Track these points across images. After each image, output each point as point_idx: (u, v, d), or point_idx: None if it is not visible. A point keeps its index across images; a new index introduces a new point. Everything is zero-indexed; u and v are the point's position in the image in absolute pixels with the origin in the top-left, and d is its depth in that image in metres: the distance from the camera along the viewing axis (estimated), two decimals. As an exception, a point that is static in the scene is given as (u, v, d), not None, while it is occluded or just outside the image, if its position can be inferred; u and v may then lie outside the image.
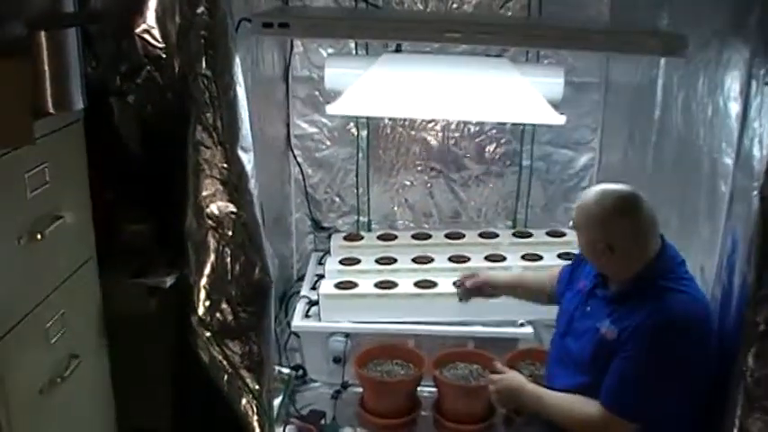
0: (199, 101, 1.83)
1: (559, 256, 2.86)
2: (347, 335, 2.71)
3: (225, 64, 1.85)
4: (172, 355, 2.03)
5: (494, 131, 3.09)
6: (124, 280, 1.95)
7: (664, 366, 1.78)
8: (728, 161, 1.84)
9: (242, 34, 2.04)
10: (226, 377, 1.92)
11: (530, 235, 3.05)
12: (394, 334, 2.68)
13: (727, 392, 1.70)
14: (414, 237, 3.04)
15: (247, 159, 1.90)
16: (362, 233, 3.11)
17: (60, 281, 1.70)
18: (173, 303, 1.96)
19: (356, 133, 3.09)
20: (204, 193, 1.85)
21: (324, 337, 2.74)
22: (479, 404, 2.50)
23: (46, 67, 1.53)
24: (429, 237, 3.04)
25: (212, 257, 1.87)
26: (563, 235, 3.00)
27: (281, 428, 2.48)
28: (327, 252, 3.02)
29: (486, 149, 3.11)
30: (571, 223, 1.99)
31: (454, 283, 2.38)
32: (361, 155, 3.11)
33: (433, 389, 2.62)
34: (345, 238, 3.04)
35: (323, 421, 2.67)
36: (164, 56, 1.88)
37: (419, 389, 2.63)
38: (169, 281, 1.96)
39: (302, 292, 2.85)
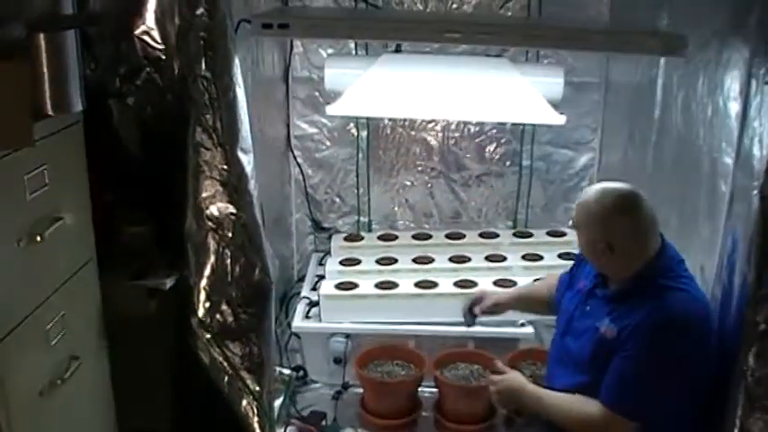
0: (198, 102, 1.83)
1: (560, 256, 2.86)
2: (348, 335, 2.71)
3: (224, 65, 1.85)
4: (172, 357, 2.03)
5: (494, 131, 3.08)
6: (124, 282, 1.95)
7: (663, 365, 1.78)
8: (728, 161, 1.84)
9: (241, 35, 2.04)
10: (226, 378, 1.92)
11: (530, 235, 3.04)
12: (394, 334, 2.68)
13: (728, 392, 1.70)
14: (414, 237, 3.04)
15: (247, 161, 1.90)
16: (363, 234, 3.10)
17: (60, 283, 1.70)
18: (173, 305, 1.96)
19: (356, 134, 3.09)
20: (204, 195, 1.85)
21: (324, 338, 2.74)
22: (480, 404, 2.50)
23: (45, 70, 1.53)
24: (429, 237, 3.03)
25: (212, 259, 1.87)
26: (563, 235, 3.00)
27: (282, 429, 2.47)
28: (328, 253, 3.01)
29: (487, 149, 3.11)
30: (571, 222, 1.99)
31: (463, 311, 2.37)
32: (361, 155, 3.11)
33: (434, 389, 2.62)
34: (346, 239, 3.04)
35: (324, 422, 2.66)
36: (163, 57, 1.88)
37: (420, 389, 2.62)
38: (169, 282, 1.96)
39: (303, 293, 2.84)
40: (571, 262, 2.27)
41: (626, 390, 1.81)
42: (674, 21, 2.27)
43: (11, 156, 1.48)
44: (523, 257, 2.87)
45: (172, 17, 1.86)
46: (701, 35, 1.99)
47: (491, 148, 3.11)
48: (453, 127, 3.08)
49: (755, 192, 1.63)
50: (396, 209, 3.19)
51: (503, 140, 3.09)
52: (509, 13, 2.89)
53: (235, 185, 1.87)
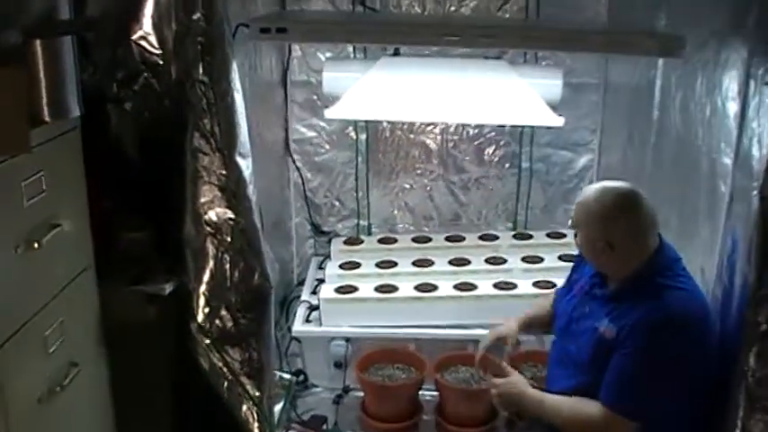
0: (196, 107, 1.83)
1: (560, 257, 2.85)
2: (348, 339, 2.71)
3: (222, 70, 1.85)
4: (171, 363, 2.02)
5: (493, 134, 3.08)
6: (123, 288, 1.95)
7: (662, 363, 1.78)
8: (727, 161, 1.84)
9: (239, 40, 2.04)
10: (226, 384, 1.92)
11: (530, 237, 3.04)
12: (395, 338, 2.67)
13: (729, 393, 1.70)
14: (414, 240, 3.03)
15: (245, 165, 1.90)
16: (362, 237, 3.10)
17: (58, 289, 1.70)
18: (172, 311, 1.96)
19: (355, 137, 3.09)
20: (202, 200, 1.85)
21: (325, 342, 2.74)
22: (481, 407, 2.50)
23: (42, 76, 1.53)
24: (429, 240, 3.03)
25: (211, 264, 1.87)
26: (563, 236, 2.99)
27: (283, 434, 2.47)
28: (328, 256, 3.01)
29: (486, 152, 3.11)
30: (570, 221, 1.98)
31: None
32: (360, 158, 3.10)
33: (435, 392, 2.62)
34: (345, 243, 3.04)
35: (324, 426, 2.66)
36: (161, 62, 1.88)
37: (421, 393, 2.62)
38: (168, 288, 1.95)
39: (303, 297, 2.84)
40: (571, 263, 2.27)
41: (625, 389, 1.81)
42: (673, 21, 2.27)
43: (8, 162, 1.48)
44: (523, 259, 2.87)
45: (169, 22, 1.85)
46: (700, 35, 1.99)
47: (490, 150, 3.11)
48: (452, 130, 3.08)
49: (755, 192, 1.63)
50: (395, 212, 3.19)
51: (502, 143, 3.09)
52: (507, 16, 2.89)
53: (233, 190, 1.86)
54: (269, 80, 2.83)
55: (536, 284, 2.70)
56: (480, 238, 3.03)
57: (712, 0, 1.95)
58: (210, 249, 1.86)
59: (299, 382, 2.84)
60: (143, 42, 1.86)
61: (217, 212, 1.86)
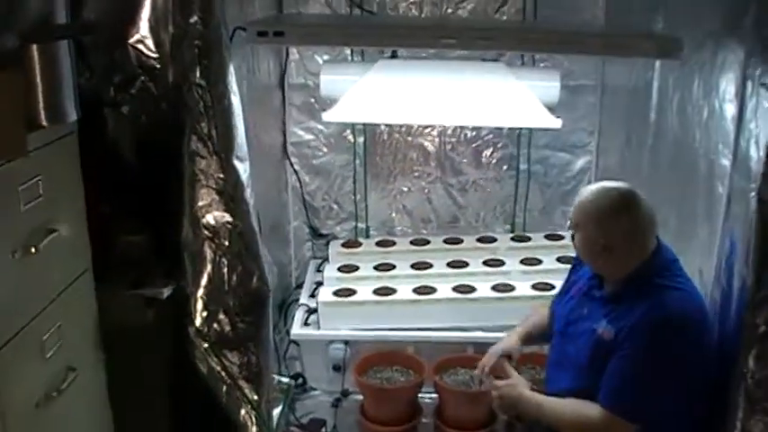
0: (193, 111, 1.82)
1: (558, 259, 2.85)
2: (347, 342, 2.70)
3: (219, 73, 1.85)
4: (169, 367, 2.02)
5: (490, 136, 3.09)
6: (121, 291, 1.95)
7: (661, 364, 1.78)
8: (725, 162, 1.84)
9: (237, 43, 2.04)
10: (224, 388, 1.91)
11: (528, 239, 3.04)
12: (393, 341, 2.67)
13: (728, 395, 1.70)
14: (412, 243, 3.03)
15: (243, 169, 1.90)
16: (361, 240, 3.10)
17: (56, 294, 1.69)
18: (170, 314, 1.95)
19: (353, 140, 3.09)
20: (200, 204, 1.85)
21: (323, 345, 2.73)
22: (480, 410, 2.49)
23: (38, 80, 1.53)
24: (427, 242, 3.03)
25: (209, 268, 1.86)
26: (561, 238, 2.99)
27: (282, 438, 2.47)
28: (326, 259, 3.01)
29: (483, 154, 3.11)
30: (569, 222, 1.98)
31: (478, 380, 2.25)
32: (358, 161, 3.11)
33: (434, 395, 2.62)
34: (344, 245, 3.04)
35: (323, 430, 2.66)
36: (158, 66, 1.88)
37: (420, 395, 2.62)
38: (166, 292, 1.95)
39: (301, 300, 2.84)
40: (569, 265, 2.27)
41: (624, 390, 1.80)
42: (669, 23, 2.27)
43: (5, 166, 1.48)
44: (522, 262, 2.87)
45: (166, 25, 1.85)
46: (696, 37, 1.99)
47: (488, 152, 3.11)
48: (450, 132, 3.08)
49: (753, 194, 1.63)
50: (393, 215, 3.19)
51: (499, 145, 3.09)
52: (504, 18, 2.89)
53: (231, 194, 1.86)
54: (266, 83, 2.83)
55: (534, 286, 2.71)
56: (478, 240, 3.03)
57: (709, 2, 1.95)
58: (208, 253, 1.86)
59: (298, 386, 2.83)
60: (140, 46, 1.86)
61: (215, 216, 1.86)
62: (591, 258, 1.94)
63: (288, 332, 2.79)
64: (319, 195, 3.15)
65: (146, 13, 1.85)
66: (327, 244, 3.08)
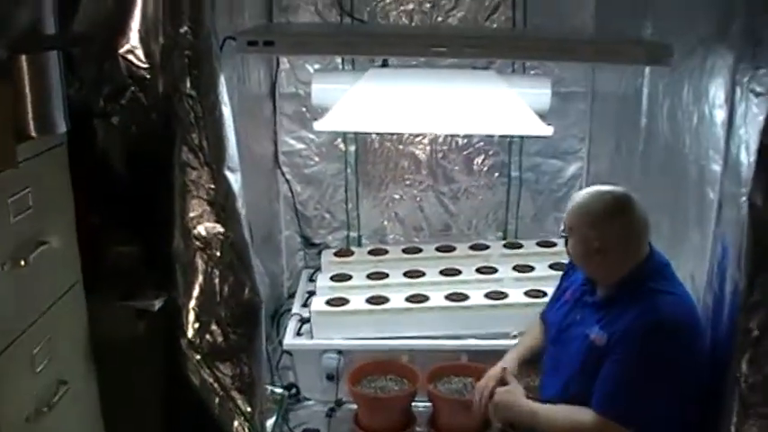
0: (184, 121, 1.82)
1: (550, 266, 2.85)
2: (340, 352, 2.69)
3: (210, 83, 1.84)
4: (161, 379, 2.00)
5: (481, 144, 3.09)
6: (112, 303, 1.93)
7: (653, 368, 1.78)
8: (716, 168, 1.85)
9: (227, 53, 2.03)
10: (217, 400, 1.90)
11: (520, 246, 3.04)
12: (387, 349, 2.66)
13: (722, 399, 1.70)
14: (404, 251, 3.03)
15: (234, 179, 1.89)
16: (353, 249, 3.10)
17: (46, 306, 1.68)
18: (161, 326, 1.94)
19: (344, 149, 3.09)
20: (191, 214, 1.84)
21: (316, 355, 2.71)
22: (474, 415, 2.48)
23: (27, 91, 1.51)
24: (420, 250, 3.03)
25: (201, 279, 1.85)
26: (554, 245, 3.00)
27: (276, 449, 2.45)
28: (318, 269, 3.00)
29: (475, 162, 3.12)
30: (562, 226, 1.99)
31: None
32: (349, 170, 3.10)
33: (428, 404, 2.60)
34: (336, 254, 3.03)
35: (317, 440, 2.64)
36: (148, 76, 1.87)
37: (414, 404, 2.61)
38: (157, 303, 1.93)
39: (293, 310, 2.83)
40: (561, 272, 2.27)
41: (617, 394, 1.80)
42: (658, 29, 2.29)
43: (-6, 178, 1.47)
44: (514, 269, 2.87)
45: (156, 36, 1.85)
46: (686, 43, 2.00)
47: (479, 160, 3.11)
48: (441, 140, 3.09)
49: (744, 198, 1.64)
50: (385, 223, 3.19)
51: (491, 152, 3.10)
52: (494, 26, 2.90)
53: (222, 204, 1.85)
54: (257, 93, 2.83)
55: (527, 293, 2.71)
56: (471, 248, 3.03)
57: (697, 8, 1.96)
58: (200, 264, 1.85)
59: (291, 396, 2.81)
60: (130, 56, 1.85)
61: (206, 227, 1.85)
62: (584, 262, 1.95)
63: (280, 342, 2.77)
64: (311, 204, 3.15)
65: (135, 23, 1.84)
66: (320, 253, 3.08)
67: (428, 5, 2.91)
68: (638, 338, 1.79)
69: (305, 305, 2.82)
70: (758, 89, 1.62)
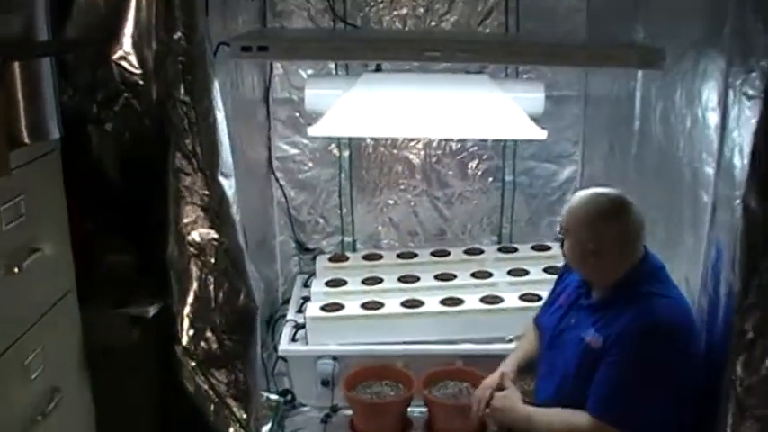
0: (178, 127, 1.81)
1: (545, 270, 2.86)
2: (335, 357, 2.68)
3: (203, 89, 1.84)
4: (156, 387, 1.99)
5: (475, 148, 3.10)
6: (106, 311, 1.92)
7: (648, 370, 1.78)
8: (709, 171, 1.85)
9: (221, 58, 2.03)
10: (212, 407, 1.89)
11: (515, 250, 3.05)
12: (382, 355, 2.65)
13: (718, 402, 1.70)
14: (399, 256, 3.03)
15: (228, 185, 1.89)
16: (348, 254, 3.09)
17: (40, 314, 1.67)
18: (156, 333, 1.93)
19: (338, 154, 3.09)
20: (185, 221, 1.83)
21: (311, 361, 2.71)
22: (470, 422, 2.47)
23: (20, 98, 1.51)
24: (415, 255, 3.03)
25: (195, 285, 1.84)
26: (548, 249, 3.00)
27: (271, 455, 2.44)
28: (313, 274, 3.00)
29: (469, 166, 3.12)
30: (559, 227, 1.99)
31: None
32: (343, 175, 3.10)
33: (424, 409, 2.60)
34: (330, 260, 3.03)
35: (313, 446, 2.63)
36: (141, 82, 1.86)
37: (410, 409, 2.60)
38: (152, 310, 1.93)
39: (288, 316, 2.82)
40: (556, 276, 2.27)
41: (612, 397, 1.81)
42: (650, 33, 2.29)
43: (-14, 185, 1.46)
44: (509, 273, 2.87)
45: (149, 42, 1.84)
46: (678, 47, 2.01)
47: (473, 164, 3.12)
48: (435, 145, 3.09)
49: (738, 201, 1.64)
50: (380, 228, 3.19)
51: (485, 157, 3.11)
52: (487, 30, 2.91)
53: (216, 210, 1.85)
54: (251, 98, 2.82)
55: (522, 297, 2.71)
56: (465, 252, 3.03)
57: (689, 11, 1.97)
58: (194, 271, 1.84)
59: (287, 402, 2.81)
60: (123, 63, 1.85)
61: (200, 233, 1.84)
62: (580, 264, 1.95)
63: (275, 348, 2.76)
64: (305, 210, 3.15)
65: (129, 29, 1.84)
66: (314, 258, 3.07)
67: (421, 10, 2.91)
68: (634, 341, 1.79)
69: (300, 311, 2.81)
70: (750, 92, 1.62)
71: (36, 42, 1.58)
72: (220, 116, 1.89)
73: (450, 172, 3.12)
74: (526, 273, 2.87)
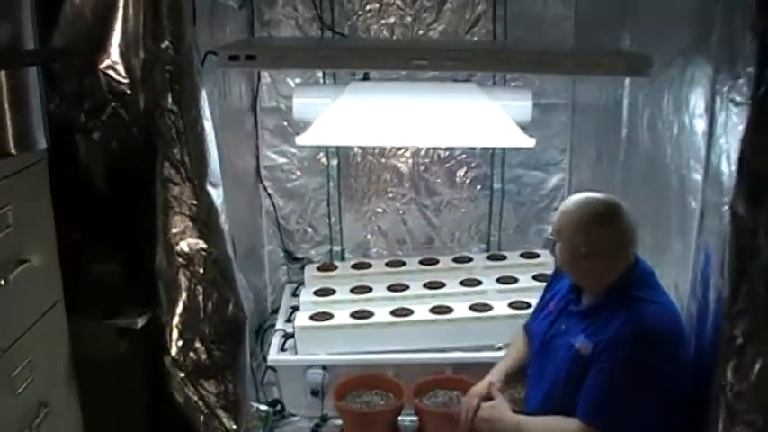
0: (165, 136, 1.80)
1: (534, 277, 2.86)
2: (325, 367, 2.67)
3: (191, 98, 1.83)
4: (145, 398, 1.97)
5: (463, 156, 3.10)
6: (94, 322, 1.90)
7: (637, 376, 1.79)
8: (697, 177, 1.87)
9: (208, 67, 2.03)
10: (202, 418, 1.87)
11: (504, 257, 3.05)
12: (372, 364, 2.65)
13: (708, 407, 1.70)
14: (388, 264, 3.03)
15: (216, 194, 1.88)
16: (336, 263, 3.08)
17: (26, 327, 1.64)
18: (144, 344, 1.91)
19: (326, 163, 3.08)
20: (174, 231, 1.82)
21: (301, 371, 2.69)
22: (461, 431, 2.47)
23: (7, 107, 1.49)
24: (403, 264, 3.02)
25: (184, 296, 1.83)
26: (537, 256, 3.01)
27: (261, 466, 2.42)
28: (301, 283, 2.99)
29: (457, 174, 3.12)
30: (551, 231, 2.00)
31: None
32: (332, 184, 3.10)
33: (414, 417, 2.59)
34: (319, 269, 3.02)
35: (303, 456, 2.62)
36: (128, 91, 1.85)
37: (400, 418, 2.59)
38: (140, 321, 1.91)
39: (277, 326, 2.81)
40: (545, 283, 2.27)
41: (602, 404, 1.81)
42: (637, 41, 2.31)
43: (-28, 197, 1.44)
44: (498, 280, 2.88)
45: (137, 51, 1.83)
46: (665, 54, 2.02)
47: (461, 172, 3.12)
48: (423, 153, 3.10)
49: (726, 207, 1.65)
50: (368, 237, 3.19)
51: (473, 165, 3.11)
52: (475, 38, 2.92)
53: (204, 220, 1.84)
54: (239, 107, 2.82)
55: (511, 305, 2.71)
56: (454, 260, 3.03)
57: (676, 19, 1.99)
58: (183, 281, 1.83)
59: (277, 412, 2.79)
60: (110, 72, 1.84)
61: (189, 243, 1.83)
62: (571, 267, 1.95)
63: (265, 358, 2.75)
64: (294, 219, 3.14)
65: (116, 38, 1.82)
66: (303, 268, 3.06)
67: (409, 19, 2.92)
68: (623, 347, 1.79)
69: (289, 320, 2.80)
70: (738, 98, 1.63)
71: (23, 51, 1.56)
72: (208, 125, 1.88)
73: (439, 180, 3.12)
74: (515, 280, 2.87)
